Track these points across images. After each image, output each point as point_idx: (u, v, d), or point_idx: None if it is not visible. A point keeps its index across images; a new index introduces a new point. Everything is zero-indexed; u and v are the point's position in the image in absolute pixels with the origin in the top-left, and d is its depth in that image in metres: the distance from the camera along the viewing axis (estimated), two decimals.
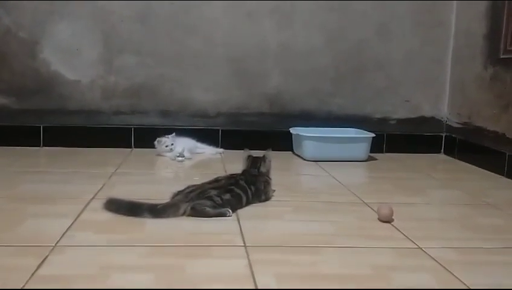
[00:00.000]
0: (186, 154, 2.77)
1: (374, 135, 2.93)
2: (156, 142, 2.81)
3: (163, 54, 3.03)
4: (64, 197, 1.97)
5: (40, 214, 1.75)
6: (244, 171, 2.00)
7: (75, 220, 1.68)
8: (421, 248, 1.54)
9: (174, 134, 2.83)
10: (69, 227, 1.61)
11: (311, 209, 1.96)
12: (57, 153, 2.87)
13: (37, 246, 1.44)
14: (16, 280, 1.22)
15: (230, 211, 1.78)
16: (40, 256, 1.36)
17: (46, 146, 2.99)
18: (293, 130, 3.01)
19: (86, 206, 1.84)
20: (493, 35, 2.78)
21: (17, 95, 2.98)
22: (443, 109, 3.25)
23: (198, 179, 1.96)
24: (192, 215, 1.73)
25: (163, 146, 2.79)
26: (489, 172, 2.70)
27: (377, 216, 1.80)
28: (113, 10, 2.97)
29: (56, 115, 3.01)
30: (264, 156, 2.02)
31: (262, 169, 2.00)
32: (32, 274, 1.26)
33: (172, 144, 2.78)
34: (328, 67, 3.14)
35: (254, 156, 2.03)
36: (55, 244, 1.46)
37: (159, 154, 2.82)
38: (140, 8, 2.99)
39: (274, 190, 2.06)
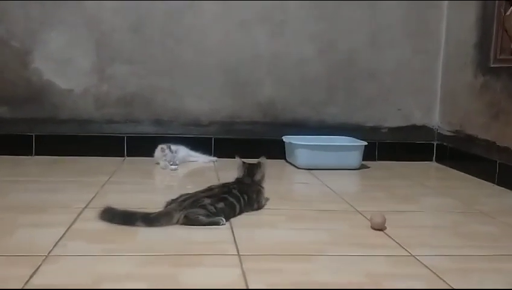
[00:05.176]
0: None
1: (366, 143, 2.95)
2: (159, 149, 2.78)
3: (155, 63, 3.03)
4: (56, 206, 1.96)
5: (32, 223, 1.74)
6: (237, 180, 2.00)
7: (68, 229, 1.68)
8: (413, 256, 1.54)
9: (177, 150, 2.78)
10: (62, 236, 1.60)
11: (304, 217, 1.96)
12: (48, 162, 2.85)
13: (30, 256, 1.43)
14: None
15: (223, 219, 1.78)
16: (32, 266, 1.36)
17: (37, 155, 2.97)
18: (285, 139, 3.02)
19: (78, 215, 1.83)
20: (483, 45, 2.81)
21: (8, 104, 2.97)
22: (434, 117, 3.27)
23: (191, 188, 1.96)
24: (186, 224, 1.73)
25: (163, 158, 2.74)
26: (480, 180, 2.71)
27: (370, 224, 1.80)
28: (105, 19, 2.98)
29: (48, 123, 2.99)
30: (259, 163, 2.02)
31: (257, 177, 2.00)
32: (25, 284, 1.25)
33: (171, 163, 2.73)
34: (320, 76, 3.15)
35: (249, 163, 2.03)
36: (48, 253, 1.45)
37: (157, 162, 2.79)
38: (132, 17, 2.99)
39: (268, 199, 2.06)
